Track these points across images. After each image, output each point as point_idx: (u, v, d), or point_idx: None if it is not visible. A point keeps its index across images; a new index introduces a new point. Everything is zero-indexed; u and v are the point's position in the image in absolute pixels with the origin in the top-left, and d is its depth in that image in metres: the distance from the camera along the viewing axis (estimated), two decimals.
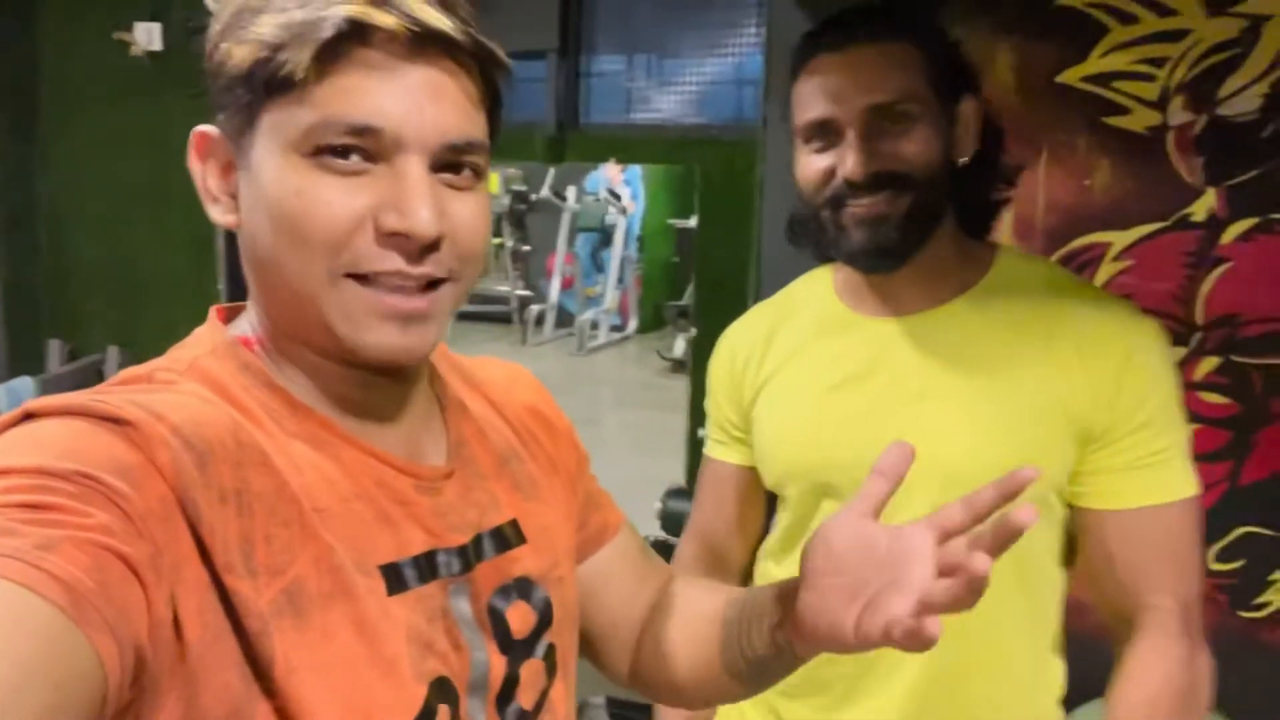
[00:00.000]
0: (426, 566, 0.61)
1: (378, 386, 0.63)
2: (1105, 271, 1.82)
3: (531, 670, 0.67)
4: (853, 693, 1.01)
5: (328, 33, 0.53)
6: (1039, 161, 1.84)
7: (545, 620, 0.69)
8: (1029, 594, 0.98)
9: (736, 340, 1.15)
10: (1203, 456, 1.82)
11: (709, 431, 1.19)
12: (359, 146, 0.55)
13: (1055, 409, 0.93)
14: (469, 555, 0.65)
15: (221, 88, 0.58)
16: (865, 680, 1.00)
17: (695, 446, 2.34)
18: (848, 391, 1.01)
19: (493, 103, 0.62)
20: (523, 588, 0.68)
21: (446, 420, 0.70)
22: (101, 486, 0.46)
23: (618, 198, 3.97)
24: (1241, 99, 1.69)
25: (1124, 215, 1.79)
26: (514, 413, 0.78)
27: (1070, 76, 1.80)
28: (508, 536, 0.69)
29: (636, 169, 4.16)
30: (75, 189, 3.12)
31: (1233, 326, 1.75)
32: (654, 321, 3.99)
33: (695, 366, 2.38)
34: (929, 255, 0.97)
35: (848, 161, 0.92)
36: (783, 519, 1.11)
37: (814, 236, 1.03)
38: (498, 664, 0.65)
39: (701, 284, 2.37)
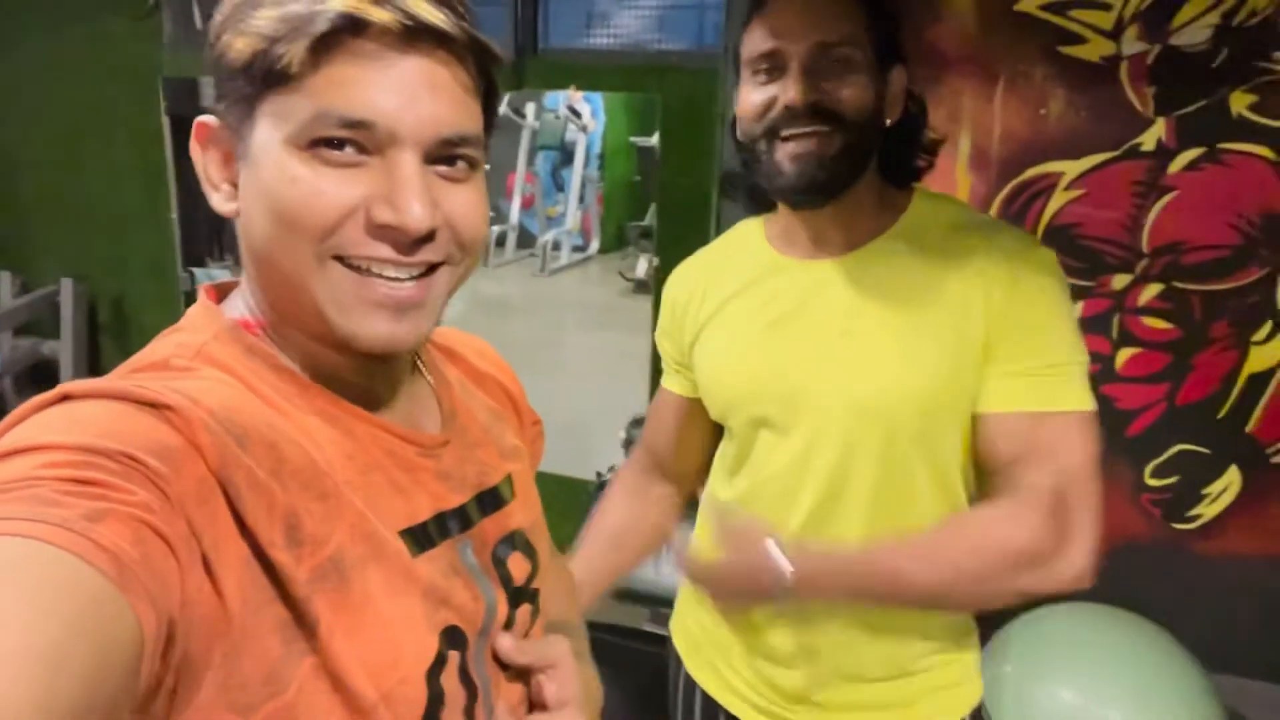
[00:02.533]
0: (436, 529, 0.65)
1: (372, 370, 0.65)
2: (1057, 200, 1.86)
3: (524, 613, 0.73)
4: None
5: (322, 26, 0.53)
6: (995, 90, 1.86)
7: (535, 568, 0.75)
8: (946, 496, 1.08)
9: (678, 287, 1.24)
10: (1144, 379, 1.92)
11: (664, 358, 1.30)
12: (353, 139, 0.56)
13: (960, 337, 1.01)
14: (470, 513, 0.69)
15: (222, 78, 0.58)
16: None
17: (657, 372, 2.37)
18: (779, 330, 1.10)
19: (488, 91, 0.63)
20: (517, 539, 0.74)
21: (437, 393, 0.73)
22: (142, 467, 0.47)
23: (578, 115, 3.88)
24: (1193, 29, 1.71)
25: (1076, 145, 1.83)
26: (487, 384, 0.82)
27: (1029, 5, 1.81)
28: (503, 493, 0.74)
29: None
30: (18, 118, 3.01)
31: (1176, 254, 1.81)
32: (616, 241, 3.95)
33: (658, 292, 2.41)
34: (852, 200, 1.05)
35: (789, 89, 0.99)
36: (729, 447, 1.20)
37: (748, 187, 1.12)
38: (503, 608, 0.70)
39: (663, 212, 2.38)
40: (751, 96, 1.03)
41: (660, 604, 1.73)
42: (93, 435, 0.48)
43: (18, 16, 2.91)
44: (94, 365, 3.19)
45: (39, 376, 3.12)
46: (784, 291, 1.10)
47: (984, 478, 1.07)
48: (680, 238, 2.35)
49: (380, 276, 0.58)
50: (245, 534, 0.52)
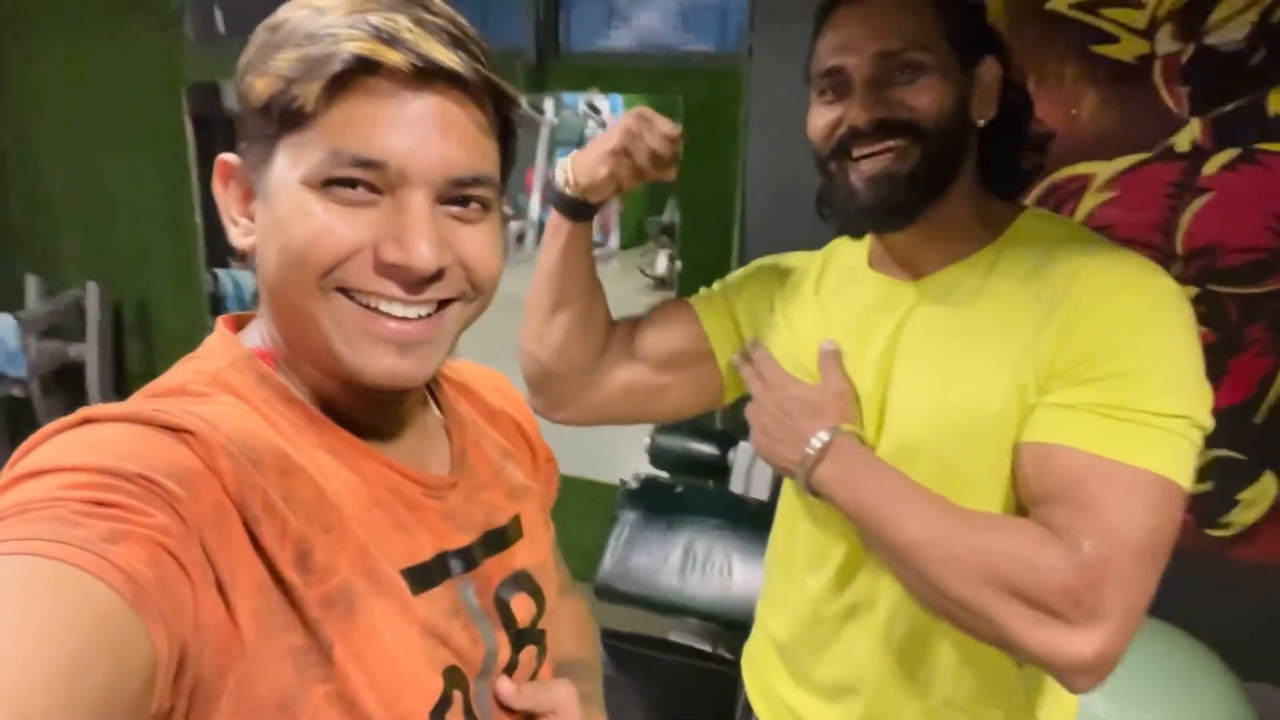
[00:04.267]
0: (437, 569, 0.65)
1: (382, 407, 0.65)
2: (1089, 203, 1.83)
3: (528, 655, 0.72)
4: (836, 635, 1.02)
5: (336, 67, 0.54)
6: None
7: (541, 609, 0.74)
8: None
9: (788, 266, 1.12)
10: None
11: (705, 289, 1.15)
12: (365, 179, 0.56)
13: (1020, 373, 0.86)
14: (473, 554, 0.69)
15: (244, 118, 0.59)
16: (850, 622, 1.01)
17: None
18: (847, 351, 0.99)
19: (504, 131, 0.62)
20: (522, 580, 0.73)
21: (449, 432, 0.73)
22: (161, 490, 0.48)
23: (597, 110, 3.87)
24: (1229, 28, 1.67)
25: (1108, 146, 1.79)
26: (501, 422, 0.81)
27: (1060, 3, 1.77)
28: (510, 534, 0.73)
29: None
30: (43, 123, 3.04)
31: (1211, 257, 1.77)
32: (636, 237, 3.95)
33: (680, 290, 2.40)
34: (942, 216, 0.93)
35: (853, 108, 0.90)
36: (795, 527, 1.06)
37: (835, 208, 0.99)
38: (505, 650, 0.69)
39: (686, 213, 2.37)
40: (818, 118, 0.95)
41: (685, 614, 1.72)
42: (112, 458, 0.48)
43: (43, 23, 2.93)
44: (119, 367, 3.22)
45: (65, 379, 3.15)
46: (862, 311, 0.99)
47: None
48: (702, 238, 2.34)
49: (389, 315, 0.58)
50: (261, 558, 0.53)
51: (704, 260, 2.30)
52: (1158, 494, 0.77)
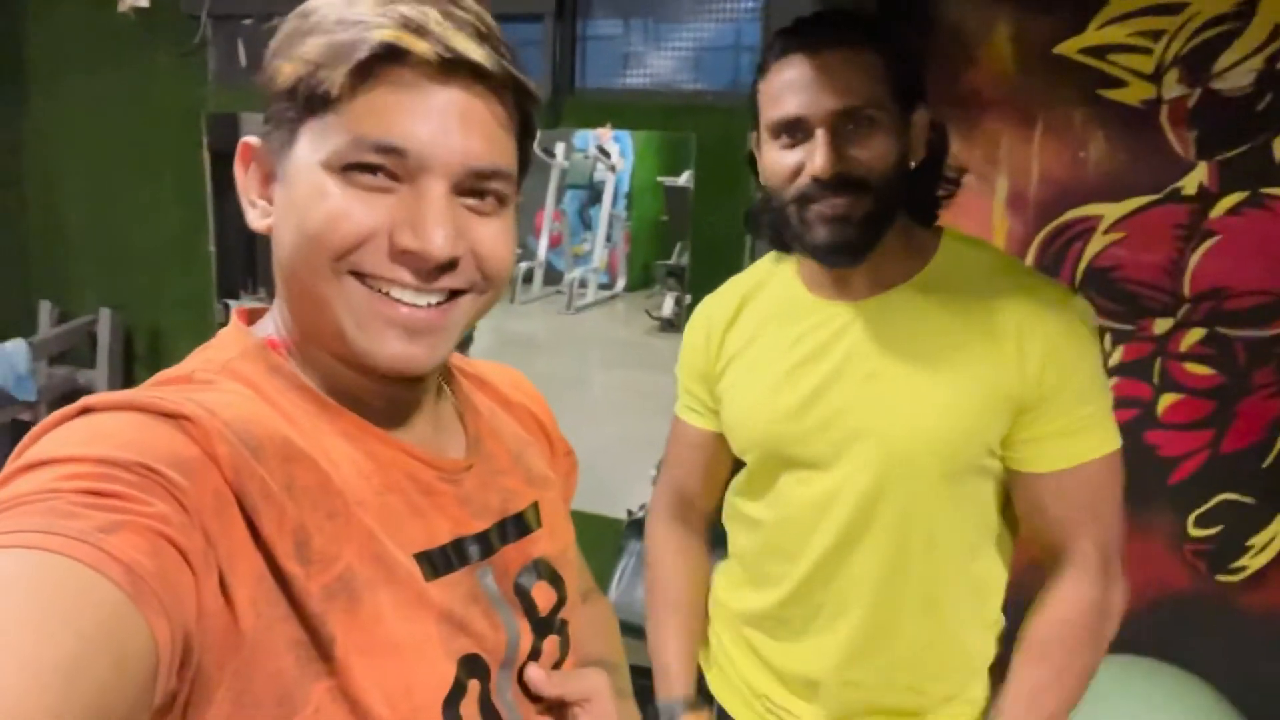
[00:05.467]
0: (455, 553, 0.64)
1: (394, 393, 0.65)
2: (1097, 243, 1.84)
3: (551, 645, 0.72)
4: (804, 630, 1.13)
5: (363, 53, 0.55)
6: (1034, 133, 1.85)
7: (562, 599, 0.73)
8: (966, 541, 1.08)
9: (709, 315, 1.21)
10: (1186, 425, 1.88)
11: (679, 394, 1.27)
12: (385, 166, 0.57)
13: (987, 385, 1.01)
14: (491, 540, 0.68)
15: (269, 101, 0.60)
16: (815, 620, 1.11)
17: None
18: (803, 372, 1.08)
19: (523, 130, 0.64)
20: (542, 568, 0.72)
21: (463, 418, 0.73)
22: (160, 478, 0.48)
23: (607, 155, 3.91)
24: (1236, 73, 1.70)
25: (1116, 188, 1.81)
26: (518, 413, 0.82)
27: (1068, 48, 1.81)
28: (528, 521, 0.73)
29: None
30: (63, 149, 3.08)
31: (1219, 299, 1.78)
32: (643, 280, 3.95)
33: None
34: (880, 247, 1.04)
35: (816, 160, 0.97)
36: (749, 479, 1.20)
37: (774, 228, 1.10)
38: (527, 638, 0.69)
39: (696, 249, 2.38)
40: (777, 161, 1.02)
41: None
42: (111, 447, 0.48)
43: (68, 53, 2.99)
44: None
45: None
46: (809, 333, 1.10)
47: (1023, 519, 1.10)
48: (713, 276, 2.35)
49: (400, 301, 0.59)
50: (260, 546, 0.52)
51: None
52: (1116, 464, 1.03)
